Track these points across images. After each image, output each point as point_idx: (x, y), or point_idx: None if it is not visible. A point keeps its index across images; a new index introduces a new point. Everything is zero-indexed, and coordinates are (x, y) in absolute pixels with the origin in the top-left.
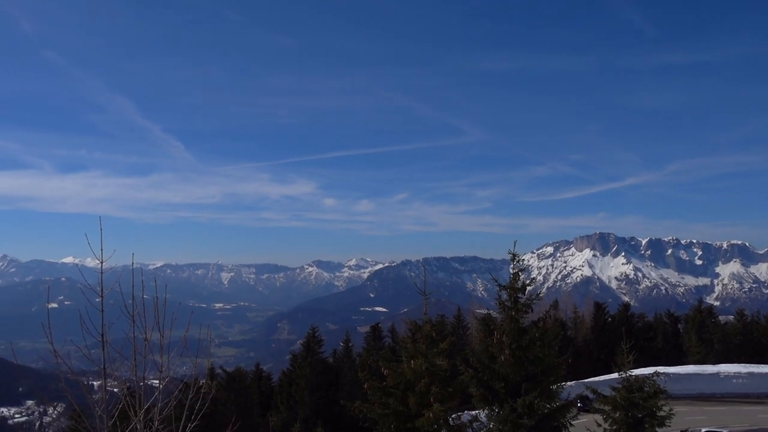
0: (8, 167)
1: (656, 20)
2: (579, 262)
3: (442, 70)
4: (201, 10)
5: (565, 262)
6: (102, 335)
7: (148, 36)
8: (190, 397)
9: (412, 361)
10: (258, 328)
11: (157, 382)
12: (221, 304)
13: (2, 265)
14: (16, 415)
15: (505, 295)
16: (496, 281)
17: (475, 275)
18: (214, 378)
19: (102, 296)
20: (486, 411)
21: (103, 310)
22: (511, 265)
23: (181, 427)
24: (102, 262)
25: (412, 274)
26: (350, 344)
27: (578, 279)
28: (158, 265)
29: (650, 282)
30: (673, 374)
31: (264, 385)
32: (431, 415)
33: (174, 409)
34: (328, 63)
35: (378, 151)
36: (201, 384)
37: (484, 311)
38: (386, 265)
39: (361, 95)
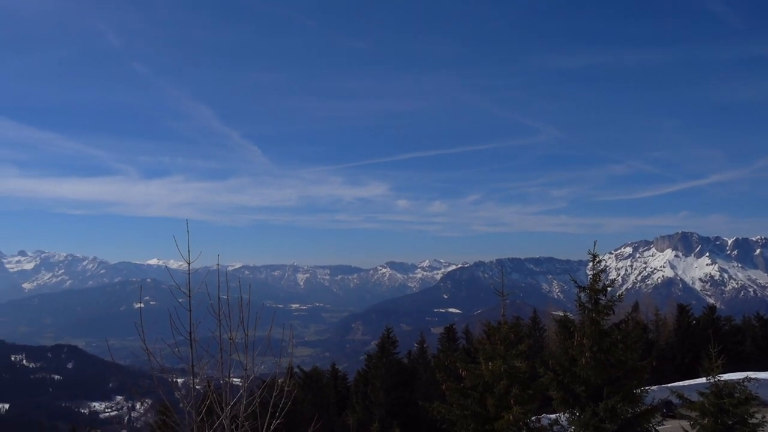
0: (97, 174)
1: (740, 10)
2: (660, 263)
3: (513, 70)
4: (276, 18)
5: (645, 262)
6: (190, 334)
7: (226, 45)
8: (274, 395)
9: (489, 363)
10: (333, 328)
11: (238, 380)
12: (297, 305)
13: (93, 267)
14: (107, 410)
15: (585, 297)
16: (575, 282)
17: (550, 276)
18: (292, 377)
19: (189, 296)
20: (567, 414)
21: (191, 310)
22: (590, 266)
23: (266, 425)
24: (189, 264)
25: (486, 275)
26: (425, 345)
27: (659, 280)
28: (237, 266)
29: (737, 283)
30: (764, 380)
31: (340, 384)
32: (511, 417)
33: (258, 407)
34: (399, 65)
35: (450, 152)
36: (282, 382)
37: (561, 313)
38: (459, 266)
39: (432, 97)
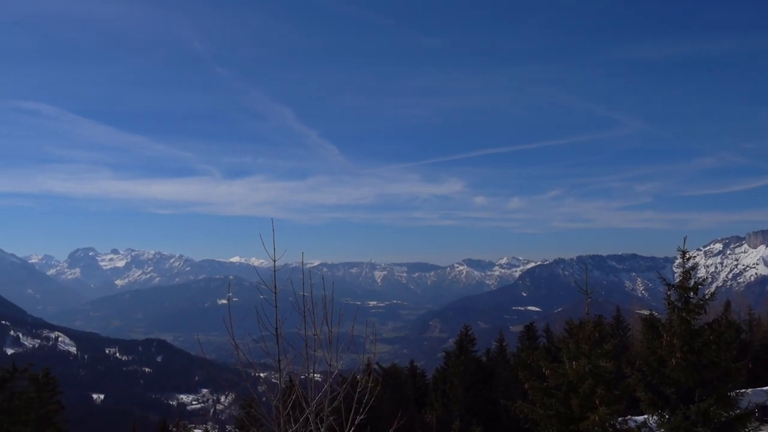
0: (183, 175)
1: None
2: (753, 259)
3: (593, 61)
4: (352, 18)
5: (737, 259)
6: (276, 330)
7: (304, 46)
8: (358, 390)
9: (574, 362)
10: (410, 325)
11: (318, 375)
12: (375, 302)
13: (179, 265)
14: (194, 402)
15: (674, 295)
16: (663, 280)
17: (634, 274)
18: (371, 373)
19: (275, 294)
20: (655, 417)
21: (276, 306)
22: (677, 262)
23: (350, 420)
24: (275, 262)
25: (566, 272)
26: (504, 343)
27: (752, 278)
28: (315, 264)
29: None
30: None
31: (418, 381)
32: (596, 418)
33: (342, 402)
34: (476, 61)
35: (529, 147)
36: (360, 378)
37: (646, 312)
38: (538, 263)
39: (509, 92)
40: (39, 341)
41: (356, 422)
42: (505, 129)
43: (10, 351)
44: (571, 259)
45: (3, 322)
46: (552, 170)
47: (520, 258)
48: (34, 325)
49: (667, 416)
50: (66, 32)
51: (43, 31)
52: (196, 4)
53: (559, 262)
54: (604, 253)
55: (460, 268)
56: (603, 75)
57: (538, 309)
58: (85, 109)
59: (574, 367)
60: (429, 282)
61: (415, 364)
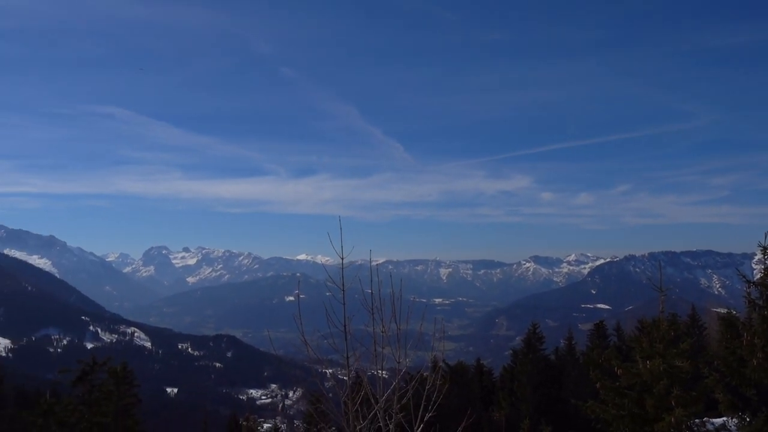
0: (251, 174)
1: None
2: None
3: (667, 51)
4: (416, 14)
5: None
6: (345, 326)
7: (367, 44)
8: (427, 388)
9: (648, 362)
10: (476, 323)
11: (384, 372)
12: (440, 299)
13: (247, 262)
14: (263, 397)
15: (755, 293)
16: (743, 277)
17: (709, 271)
18: (437, 371)
19: (344, 291)
20: (735, 420)
21: (345, 304)
22: (756, 258)
23: (419, 417)
24: (342, 259)
25: (637, 270)
26: (573, 342)
27: None
28: (380, 261)
29: None
30: None
31: (485, 379)
32: (672, 419)
33: (411, 399)
34: (541, 54)
35: (597, 141)
36: (433, 376)
37: (723, 310)
38: (608, 260)
39: (577, 85)
40: (116, 336)
41: (425, 419)
42: (574, 123)
43: (90, 345)
44: (643, 256)
45: (83, 317)
46: (622, 164)
47: (589, 255)
48: (111, 321)
49: (747, 419)
50: (138, 38)
51: (117, 38)
52: (261, 7)
53: (629, 258)
54: (678, 249)
55: (527, 265)
56: (677, 64)
57: (607, 307)
58: (157, 112)
59: (648, 366)
60: (495, 279)
61: (481, 361)
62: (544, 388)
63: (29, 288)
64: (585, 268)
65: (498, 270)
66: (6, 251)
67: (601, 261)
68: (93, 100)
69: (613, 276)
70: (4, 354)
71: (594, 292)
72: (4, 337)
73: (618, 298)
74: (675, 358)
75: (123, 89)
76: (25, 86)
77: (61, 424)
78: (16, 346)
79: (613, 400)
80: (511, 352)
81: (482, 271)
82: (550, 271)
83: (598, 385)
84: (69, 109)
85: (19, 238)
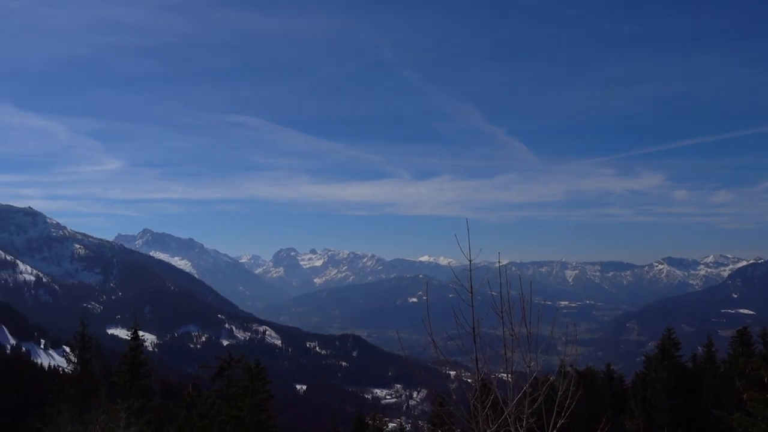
0: (374, 177)
1: None
2: None
3: None
4: (536, 10)
5: None
6: (473, 329)
7: (488, 43)
8: (559, 393)
9: None
10: (605, 327)
11: (510, 376)
12: (566, 302)
13: (371, 264)
14: (387, 397)
15: None
16: None
17: None
18: (568, 376)
19: (471, 293)
20: None
21: (473, 306)
22: None
23: (552, 422)
24: (470, 261)
25: None
26: (713, 349)
27: None
28: (503, 263)
29: None
30: None
31: (616, 386)
32: None
33: (542, 404)
34: (675, 45)
35: (737, 135)
36: (554, 380)
37: None
38: (751, 261)
39: (714, 75)
40: (249, 334)
41: (558, 425)
42: (710, 116)
43: (225, 342)
44: None
45: (219, 316)
46: (765, 159)
47: (729, 256)
48: (245, 320)
49: None
50: (266, 49)
51: (246, 50)
52: (383, 12)
53: None
54: None
55: (660, 266)
56: None
57: (751, 312)
58: (285, 119)
59: None
60: (625, 281)
61: (611, 367)
62: (681, 396)
63: (172, 288)
64: (725, 270)
65: (628, 272)
66: (152, 253)
67: (744, 263)
68: (226, 110)
69: (758, 279)
70: (150, 349)
71: (735, 296)
72: (151, 333)
73: (763, 303)
74: None
75: (253, 98)
76: (165, 99)
77: (202, 416)
78: (161, 342)
79: (764, 412)
80: (643, 357)
81: (611, 273)
82: (686, 273)
83: (744, 396)
84: (204, 120)
85: (163, 241)
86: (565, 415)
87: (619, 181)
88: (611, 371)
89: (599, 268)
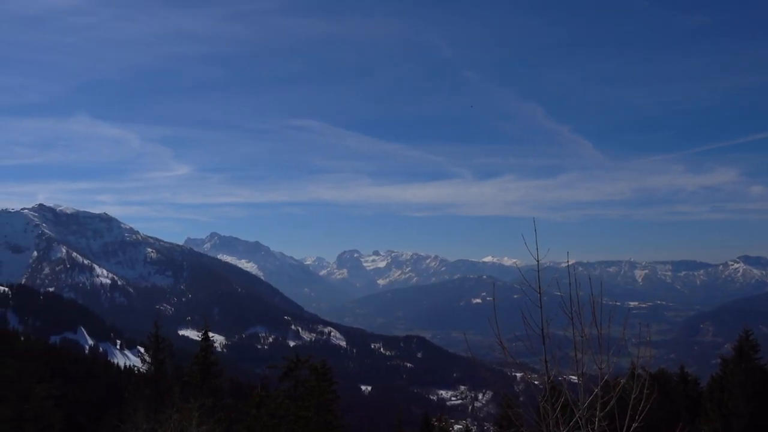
0: (437, 178)
1: None
2: None
3: None
4: (602, 3)
5: None
6: (542, 330)
7: (550, 40)
8: (633, 396)
9: None
10: (677, 328)
11: (575, 378)
12: (636, 303)
13: (435, 265)
14: (452, 398)
15: None
16: None
17: None
18: (643, 379)
19: (540, 293)
20: None
21: (542, 307)
22: None
23: (625, 426)
24: (538, 262)
25: None
26: None
27: None
28: (570, 262)
29: None
30: None
31: (690, 389)
32: None
33: (615, 407)
34: (747, 35)
35: None
36: (624, 383)
37: None
38: None
39: None
40: (315, 335)
41: (631, 429)
42: None
43: (292, 343)
44: None
45: (285, 317)
46: None
47: None
48: (310, 321)
49: None
50: (327, 53)
51: (308, 54)
52: (442, 12)
53: None
54: None
55: (736, 265)
56: None
57: None
58: (347, 121)
59: None
60: (698, 281)
61: (685, 369)
62: (759, 401)
63: (239, 290)
64: None
65: (701, 271)
66: (219, 256)
67: None
68: (290, 114)
69: None
70: (219, 349)
71: None
72: (220, 334)
73: None
74: None
75: (316, 102)
76: (230, 105)
77: (271, 416)
78: (229, 342)
79: None
80: (719, 360)
81: (683, 273)
82: (763, 272)
83: None
84: (269, 124)
85: (230, 244)
86: (639, 418)
87: (690, 178)
88: (685, 374)
89: (670, 268)
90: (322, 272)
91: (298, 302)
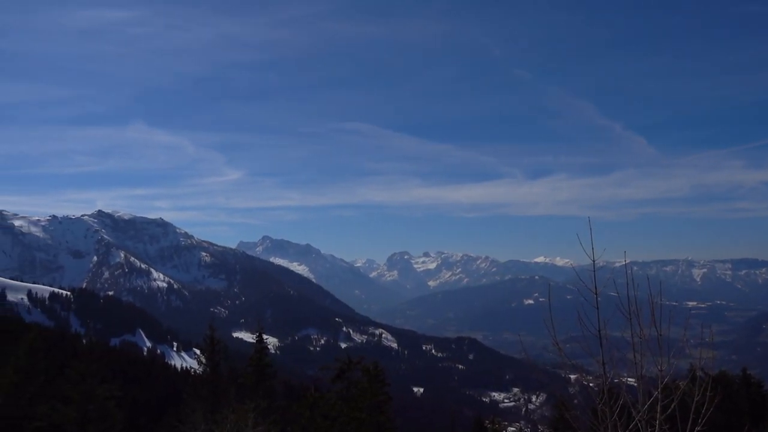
0: (487, 178)
1: None
2: None
3: None
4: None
5: None
6: (599, 332)
7: (600, 36)
8: (695, 399)
9: None
10: (738, 329)
11: (632, 380)
12: (694, 303)
13: (485, 266)
14: (505, 400)
15: None
16: None
17: None
18: (703, 382)
19: (596, 294)
20: None
21: (598, 308)
22: None
23: (688, 430)
24: (594, 262)
25: None
26: None
27: None
28: (624, 262)
29: None
30: None
31: (753, 392)
32: None
33: (676, 410)
34: None
35: None
36: (683, 385)
37: None
38: None
39: None
40: (366, 337)
41: None
42: None
43: (343, 345)
44: None
45: (337, 319)
46: None
47: None
48: (361, 323)
49: None
50: (376, 56)
51: (356, 58)
52: (490, 11)
53: None
54: None
55: None
56: None
57: None
58: (396, 123)
59: None
60: (760, 280)
61: (748, 372)
62: None
63: (291, 292)
64: None
65: (763, 270)
66: (271, 259)
67: None
68: (339, 117)
69: None
70: (272, 351)
71: None
72: (272, 336)
73: None
74: None
75: (366, 105)
76: (281, 110)
77: (324, 417)
78: (282, 344)
79: None
80: None
81: (744, 272)
82: None
83: None
84: (318, 128)
85: (282, 247)
86: (701, 422)
87: (750, 173)
88: (748, 376)
89: (730, 266)
90: (373, 274)
91: (348, 304)
